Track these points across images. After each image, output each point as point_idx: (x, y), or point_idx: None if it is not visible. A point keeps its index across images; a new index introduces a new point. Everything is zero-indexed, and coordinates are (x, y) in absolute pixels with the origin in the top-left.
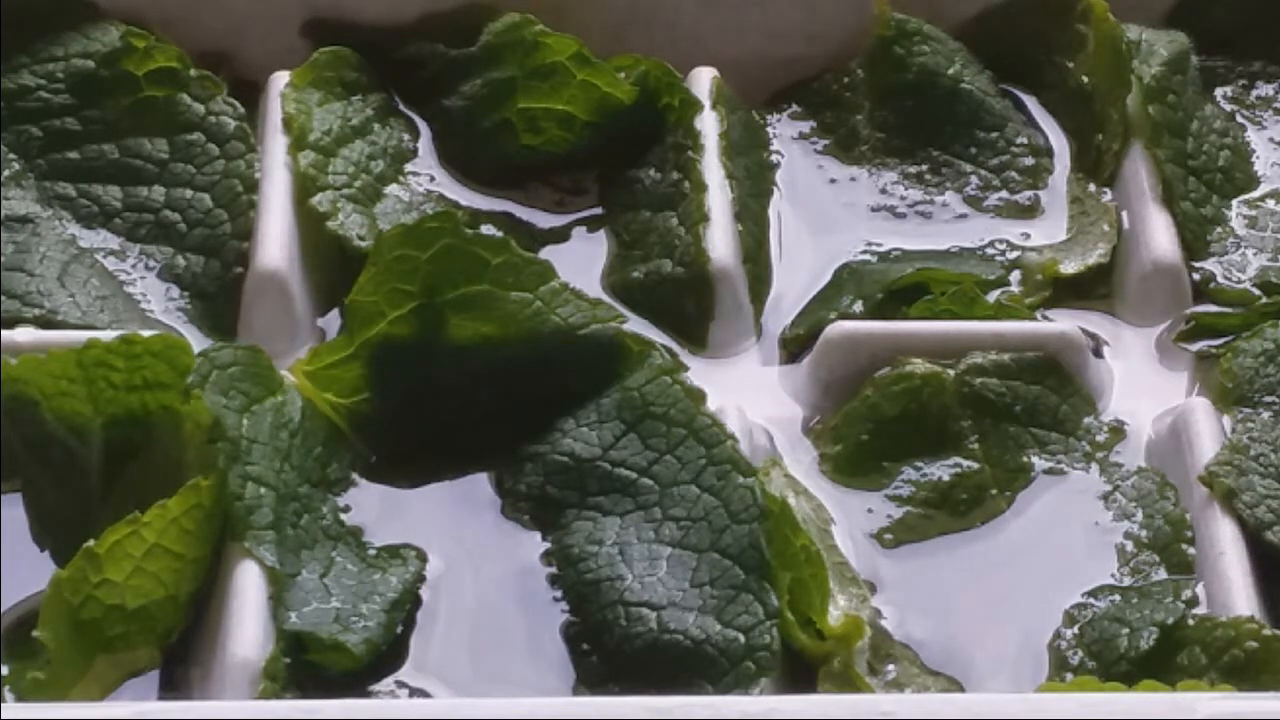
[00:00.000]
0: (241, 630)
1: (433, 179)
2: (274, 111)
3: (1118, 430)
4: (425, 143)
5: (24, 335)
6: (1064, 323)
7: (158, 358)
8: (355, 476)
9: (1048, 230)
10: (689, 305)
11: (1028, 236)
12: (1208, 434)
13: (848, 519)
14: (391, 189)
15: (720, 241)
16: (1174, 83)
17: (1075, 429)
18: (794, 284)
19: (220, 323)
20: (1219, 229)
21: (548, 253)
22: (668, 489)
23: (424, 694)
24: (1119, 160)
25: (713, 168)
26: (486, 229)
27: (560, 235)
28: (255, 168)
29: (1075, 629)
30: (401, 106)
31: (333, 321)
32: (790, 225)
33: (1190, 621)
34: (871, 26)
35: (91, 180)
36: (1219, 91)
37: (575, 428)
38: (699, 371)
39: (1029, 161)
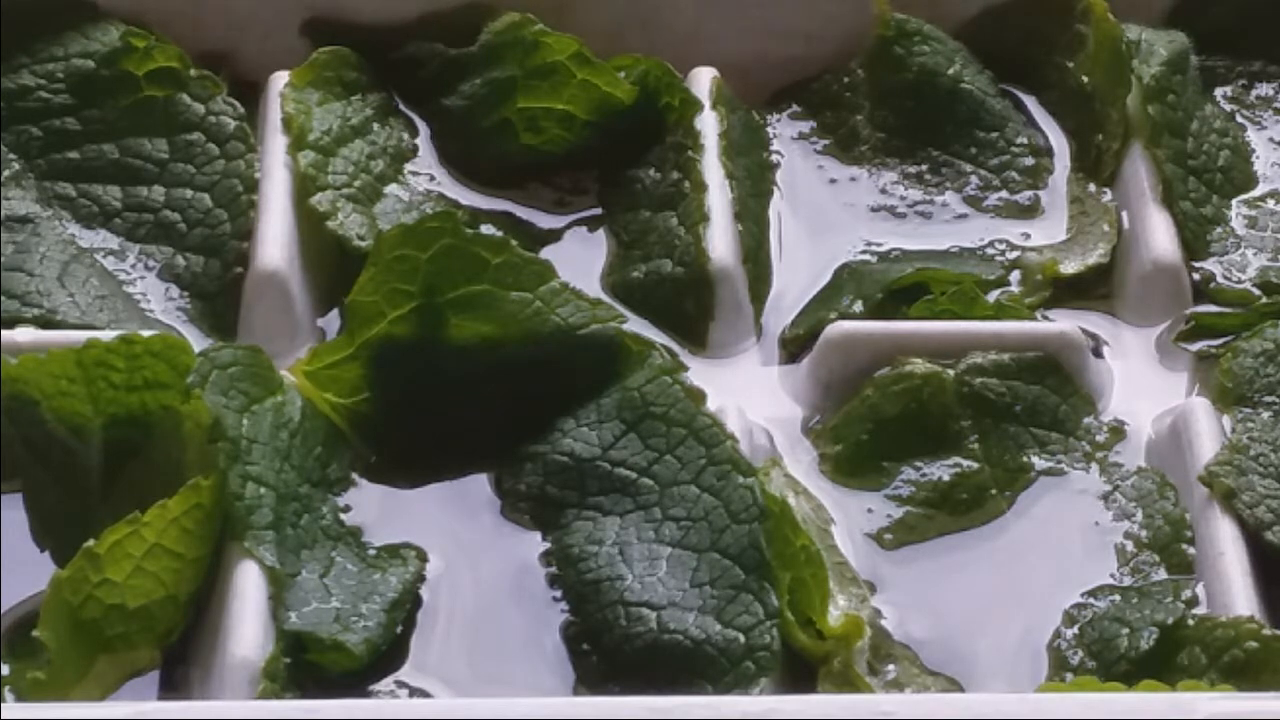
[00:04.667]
0: (241, 630)
1: (433, 178)
2: (274, 111)
3: (1118, 430)
4: (425, 142)
5: (24, 335)
6: (1064, 323)
7: (158, 358)
8: (355, 476)
9: (1048, 230)
10: (689, 305)
11: (1028, 236)
12: (1208, 434)
13: (848, 519)
14: (391, 189)
15: (720, 241)
16: (1174, 83)
17: (1075, 429)
18: (794, 284)
19: (220, 323)
20: (1219, 229)
21: (548, 253)
22: (668, 489)
23: (424, 694)
24: (1119, 160)
25: (713, 168)
26: (486, 229)
27: (560, 235)
28: (255, 168)
29: (1075, 629)
30: (401, 106)
31: (333, 321)
32: (790, 225)
33: (1190, 621)
34: (871, 26)
35: (91, 180)
36: (1219, 91)
37: (575, 428)
38: (699, 371)
39: (1029, 161)
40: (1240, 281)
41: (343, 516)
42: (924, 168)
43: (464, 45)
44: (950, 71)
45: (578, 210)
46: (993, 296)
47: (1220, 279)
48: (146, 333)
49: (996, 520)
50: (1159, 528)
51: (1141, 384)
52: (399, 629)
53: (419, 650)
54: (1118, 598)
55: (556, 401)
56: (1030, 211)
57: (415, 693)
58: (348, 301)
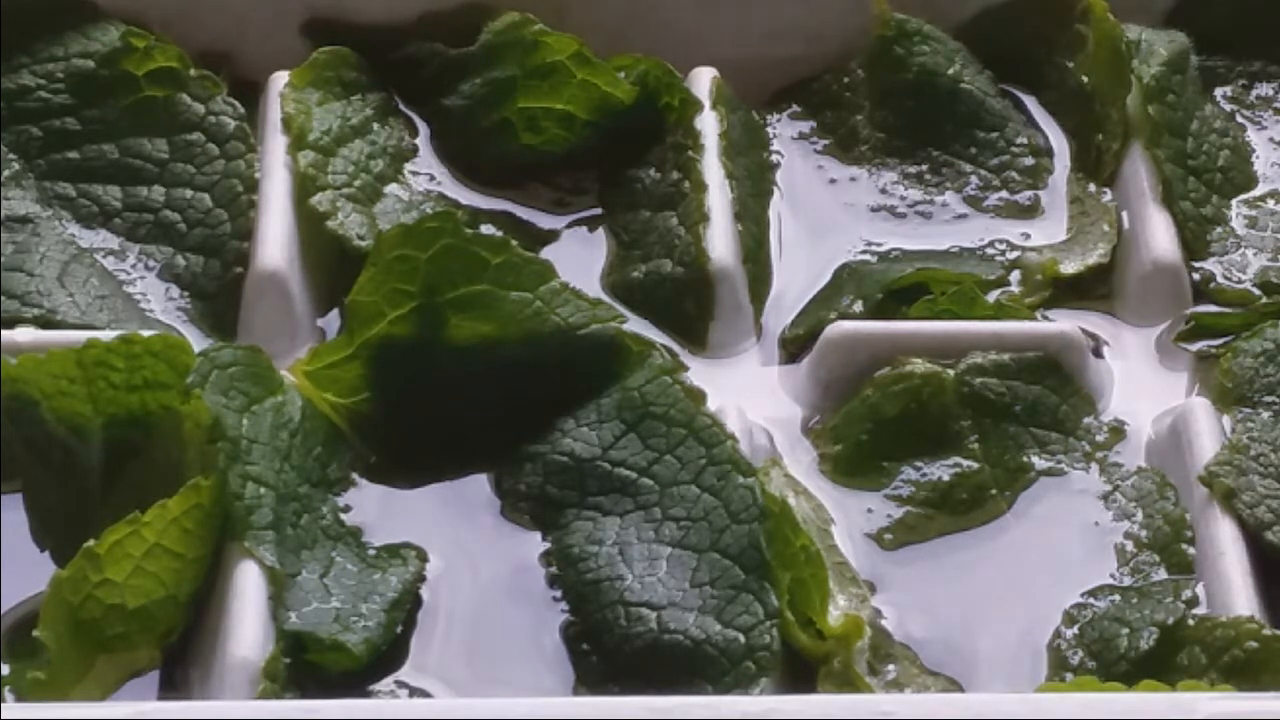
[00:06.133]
0: (241, 630)
1: (432, 178)
2: (274, 111)
3: (1118, 430)
4: (425, 142)
5: (24, 335)
6: (1064, 323)
7: (158, 358)
8: (355, 476)
9: (1048, 230)
10: (689, 305)
11: (1028, 236)
12: (1208, 434)
13: (848, 519)
14: (391, 188)
15: (720, 241)
16: (1174, 83)
17: (1075, 429)
18: (794, 284)
19: (220, 323)
20: (1219, 229)
21: (548, 253)
22: (668, 489)
23: (424, 694)
24: (1119, 160)
25: (713, 168)
26: (486, 229)
27: (560, 235)
28: (255, 168)
29: (1075, 629)
30: (401, 106)
31: (333, 321)
32: (790, 225)
33: (1190, 621)
34: (871, 26)
35: (91, 180)
36: (1219, 91)
37: (575, 428)
38: (699, 371)
39: (1029, 161)
40: (1240, 281)
41: (343, 516)
42: (924, 168)
43: (464, 45)
44: (950, 71)
45: (578, 210)
46: (993, 296)
47: (1220, 279)
48: (146, 333)
49: (996, 520)
50: (1159, 528)
51: (1141, 384)
52: (399, 629)
53: (419, 650)
54: (1118, 598)
55: (556, 401)
56: (1030, 211)
57: (415, 693)
58: (348, 301)
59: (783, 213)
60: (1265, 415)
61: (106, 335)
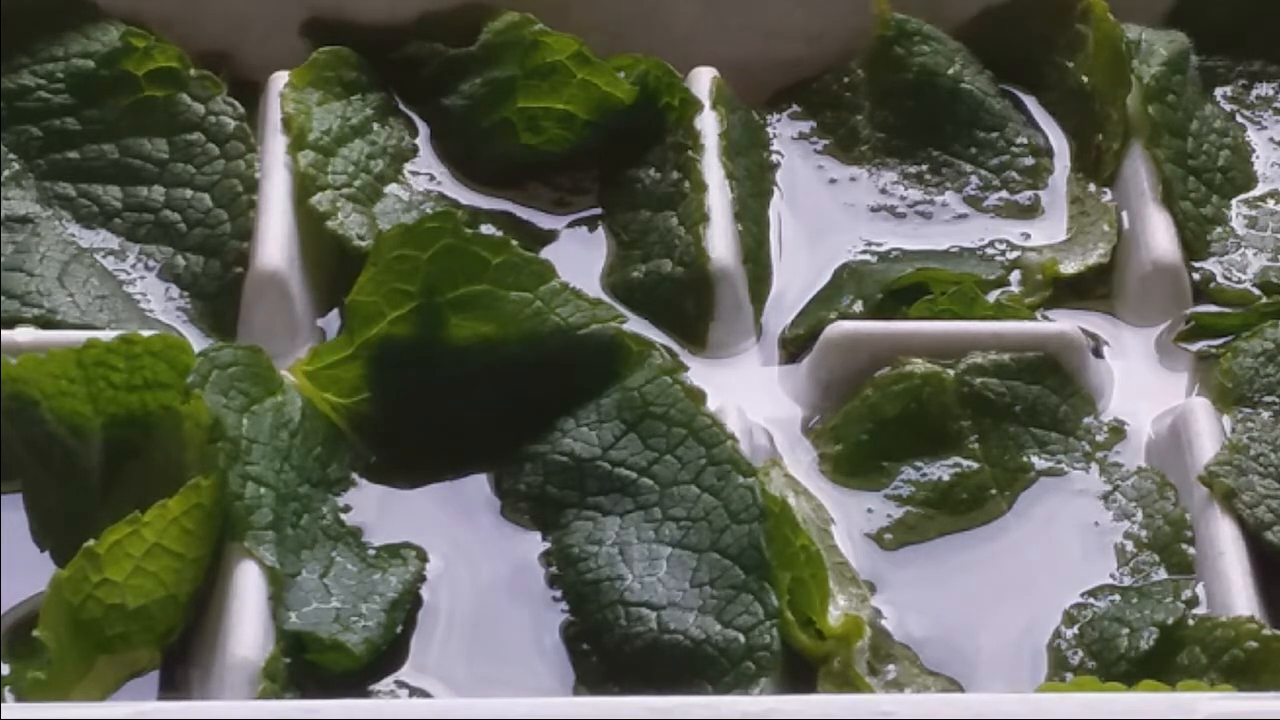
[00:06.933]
0: (241, 630)
1: (432, 178)
2: (274, 111)
3: (1118, 430)
4: (425, 142)
5: (24, 335)
6: (1064, 323)
7: (158, 358)
8: (355, 476)
9: (1048, 230)
10: (689, 305)
11: (1028, 236)
12: (1208, 434)
13: (848, 519)
14: (391, 188)
15: (720, 241)
16: (1174, 83)
17: (1075, 429)
18: (794, 284)
19: (220, 323)
20: (1219, 229)
21: (548, 253)
22: (668, 489)
23: (424, 694)
24: (1119, 160)
25: (713, 168)
26: (486, 229)
27: (560, 235)
28: (255, 168)
29: (1075, 629)
30: (401, 106)
31: (333, 321)
32: (790, 225)
33: (1190, 621)
34: (871, 26)
35: (91, 180)
36: (1219, 91)
37: (575, 428)
38: (699, 371)
39: (1029, 161)
40: (1240, 281)
41: (343, 516)
42: (924, 168)
43: (464, 45)
44: (950, 71)
45: (578, 210)
46: (993, 296)
47: (1220, 279)
48: (146, 333)
49: (996, 520)
50: (1159, 528)
51: (1141, 384)
52: (399, 629)
53: (419, 650)
54: (1118, 598)
55: (556, 401)
56: (1030, 211)
57: (415, 693)
58: (348, 301)
59: (783, 213)
60: (1265, 415)
61: (106, 335)
